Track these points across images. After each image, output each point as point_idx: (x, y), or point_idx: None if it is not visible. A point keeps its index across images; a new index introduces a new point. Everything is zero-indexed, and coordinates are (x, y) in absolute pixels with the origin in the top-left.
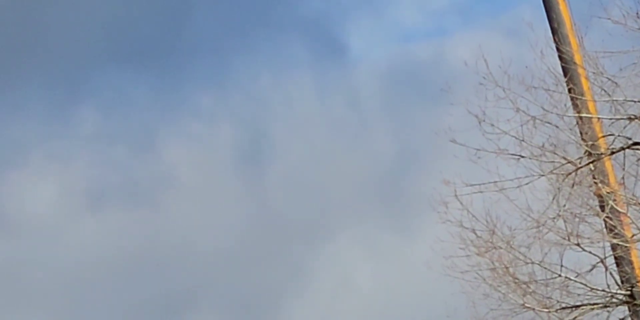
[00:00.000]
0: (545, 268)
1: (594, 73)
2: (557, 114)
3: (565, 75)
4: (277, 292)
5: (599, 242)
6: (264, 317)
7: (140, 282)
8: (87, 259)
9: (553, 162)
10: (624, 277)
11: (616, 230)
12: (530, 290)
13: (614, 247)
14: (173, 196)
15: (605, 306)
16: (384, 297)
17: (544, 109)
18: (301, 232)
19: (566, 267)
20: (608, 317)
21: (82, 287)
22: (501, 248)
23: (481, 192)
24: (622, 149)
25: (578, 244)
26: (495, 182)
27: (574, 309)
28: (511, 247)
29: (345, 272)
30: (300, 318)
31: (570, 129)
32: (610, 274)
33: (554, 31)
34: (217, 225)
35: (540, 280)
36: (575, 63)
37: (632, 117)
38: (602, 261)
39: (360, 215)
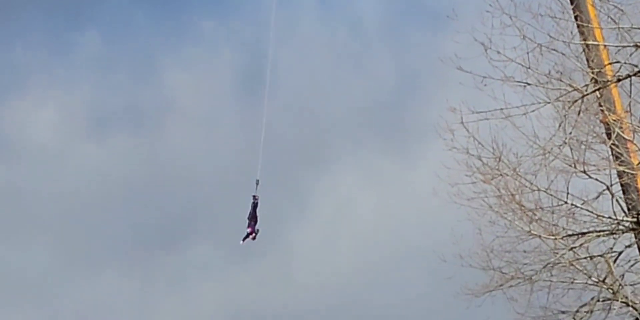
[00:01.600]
0: (551, 195)
1: (600, 0)
2: (564, 42)
3: (571, 3)
4: (277, 218)
5: (605, 169)
6: (263, 242)
7: (141, 206)
8: (88, 184)
9: (559, 89)
10: (630, 204)
11: (622, 158)
12: (537, 218)
13: (620, 175)
14: (174, 121)
15: (612, 233)
16: (385, 223)
17: (550, 37)
18: (302, 157)
19: (572, 195)
20: (614, 244)
21: (83, 212)
22: (507, 175)
23: (487, 119)
24: (629, 76)
25: (584, 171)
26: (502, 109)
27: (580, 236)
28: (517, 174)
29: (345, 198)
30: (300, 243)
31: (577, 57)
32: (617, 201)
33: None
34: (217, 150)
35: (547, 207)
36: None
37: (639, 44)
38: (608, 188)
39: (361, 141)
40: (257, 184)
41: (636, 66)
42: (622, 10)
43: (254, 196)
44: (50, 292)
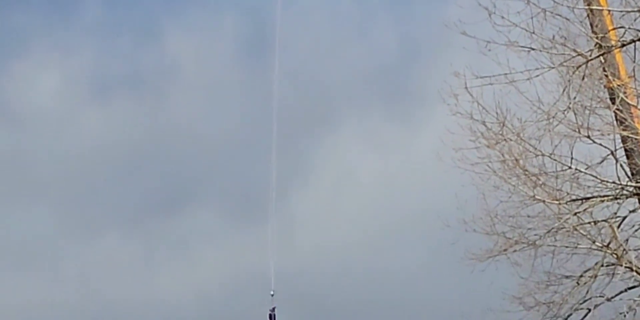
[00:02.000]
0: (555, 160)
1: None
2: (568, 6)
3: None
4: (280, 184)
5: (609, 134)
6: (266, 209)
7: (144, 171)
8: (90, 148)
9: (563, 54)
10: (634, 169)
11: (626, 123)
12: (541, 182)
13: (624, 140)
14: (177, 86)
15: (616, 198)
16: (389, 188)
17: (554, 1)
18: (305, 123)
19: (576, 159)
20: (618, 209)
21: (86, 176)
22: (511, 140)
23: (491, 84)
24: (633, 41)
25: (588, 136)
26: (506, 74)
27: (584, 200)
28: (521, 139)
29: (348, 164)
30: (302, 209)
31: (581, 22)
32: (621, 166)
33: None
34: (220, 115)
35: (551, 172)
36: None
37: None
38: (612, 153)
39: (364, 106)
40: (272, 296)
41: None
42: None
43: (271, 310)
44: (53, 256)
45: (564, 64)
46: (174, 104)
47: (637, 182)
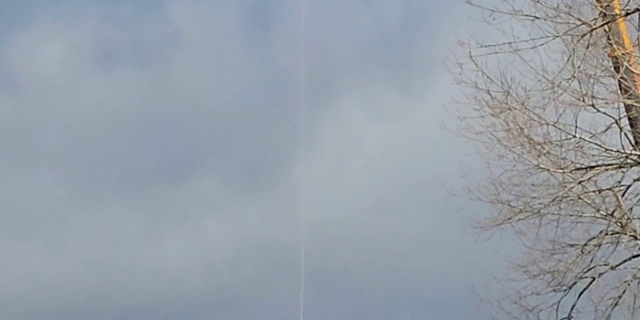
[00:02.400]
0: (559, 129)
1: None
2: None
3: None
4: (282, 153)
5: (613, 103)
6: (269, 178)
7: (147, 140)
8: (95, 118)
9: (568, 23)
10: (638, 137)
11: (630, 91)
12: (545, 151)
13: (628, 108)
14: (180, 55)
15: (620, 167)
16: (393, 157)
17: None
18: (308, 91)
19: (581, 128)
20: (622, 177)
21: (90, 145)
22: (516, 109)
23: (496, 53)
24: (637, 10)
25: (593, 105)
26: (510, 43)
27: (588, 169)
28: (526, 108)
29: (352, 133)
30: (306, 177)
31: None
32: (625, 134)
33: None
34: (224, 84)
35: (555, 141)
36: None
37: None
38: (616, 122)
39: (368, 75)
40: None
41: None
42: None
43: None
44: (56, 225)
45: (569, 32)
46: (178, 72)
47: None
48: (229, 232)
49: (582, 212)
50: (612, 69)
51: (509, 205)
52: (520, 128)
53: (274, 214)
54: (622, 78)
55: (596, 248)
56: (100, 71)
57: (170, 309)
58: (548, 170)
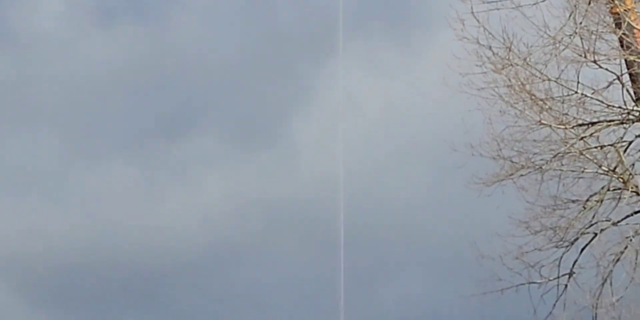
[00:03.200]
0: (561, 85)
1: None
2: None
3: None
4: (280, 110)
5: (615, 59)
6: (267, 135)
7: (146, 96)
8: (95, 74)
9: None
10: None
11: (632, 47)
12: (547, 107)
13: (629, 64)
14: (180, 10)
15: (622, 123)
16: (394, 114)
17: None
18: (305, 48)
19: (582, 84)
20: (624, 133)
21: (89, 101)
22: (518, 65)
23: (497, 9)
24: None
25: (594, 61)
26: None
27: (590, 125)
28: (528, 64)
29: (350, 90)
30: (304, 135)
31: None
32: (627, 90)
33: None
34: (223, 41)
35: (557, 97)
36: None
37: None
38: (618, 78)
39: (366, 31)
40: None
41: None
42: None
43: None
44: (56, 181)
45: None
46: (177, 28)
47: None
48: (228, 189)
49: (584, 168)
50: (614, 25)
51: (511, 161)
52: (522, 84)
53: (273, 170)
54: (624, 34)
55: (598, 204)
56: (101, 28)
57: (169, 265)
58: (550, 126)
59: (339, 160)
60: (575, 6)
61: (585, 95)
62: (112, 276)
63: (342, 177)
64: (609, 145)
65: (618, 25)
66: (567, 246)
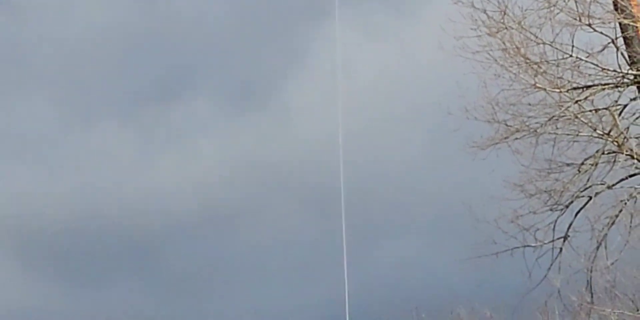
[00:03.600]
0: (556, 48)
1: None
2: None
3: None
4: (275, 73)
5: (609, 22)
6: (262, 98)
7: (141, 58)
8: (90, 37)
9: None
10: (634, 57)
11: (627, 11)
12: (542, 71)
13: (624, 28)
14: None
15: (616, 86)
16: (388, 78)
17: None
18: (300, 12)
19: (577, 48)
20: (619, 97)
21: (84, 63)
22: (512, 28)
23: None
24: None
25: (589, 24)
26: None
27: (585, 88)
28: (522, 27)
29: (345, 54)
30: (298, 99)
31: None
32: (621, 54)
33: None
34: (218, 4)
35: (552, 60)
36: None
37: None
38: (613, 41)
39: None
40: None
41: None
42: None
43: None
44: (49, 145)
45: None
46: None
47: (637, 71)
48: (222, 152)
49: (579, 132)
50: None
51: (506, 124)
52: (517, 47)
53: (268, 133)
54: None
55: (593, 167)
56: None
57: (164, 228)
58: (545, 89)
59: (338, 122)
60: None
61: (580, 59)
62: (107, 239)
63: (341, 139)
64: (603, 108)
65: None
66: (562, 209)
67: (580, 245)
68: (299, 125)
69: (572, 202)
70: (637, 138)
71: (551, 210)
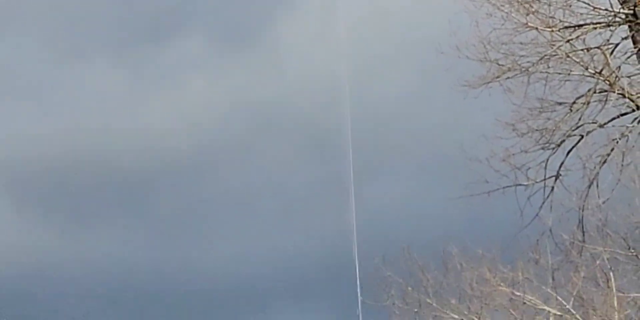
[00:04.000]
0: None
1: None
2: None
3: None
4: (266, 12)
5: None
6: (253, 38)
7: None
8: None
9: None
10: None
11: None
12: (534, 9)
13: None
14: None
15: (608, 25)
16: (379, 16)
17: None
18: None
19: None
20: (611, 36)
21: (75, 5)
22: None
23: None
24: None
25: None
26: None
27: (576, 28)
28: None
29: None
30: (289, 37)
31: None
32: None
33: None
34: None
35: None
36: None
37: None
38: None
39: None
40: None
41: None
42: None
43: None
44: (41, 85)
45: None
46: None
47: (629, 10)
48: (214, 91)
49: (571, 70)
50: None
51: (498, 63)
52: None
53: (259, 72)
54: None
55: (584, 106)
56: None
57: (155, 168)
58: (536, 28)
59: (333, 59)
60: None
61: None
62: (98, 178)
63: (346, 76)
64: (595, 47)
65: None
66: (553, 148)
67: (572, 183)
68: (291, 64)
69: (563, 140)
70: (628, 77)
71: (543, 149)
